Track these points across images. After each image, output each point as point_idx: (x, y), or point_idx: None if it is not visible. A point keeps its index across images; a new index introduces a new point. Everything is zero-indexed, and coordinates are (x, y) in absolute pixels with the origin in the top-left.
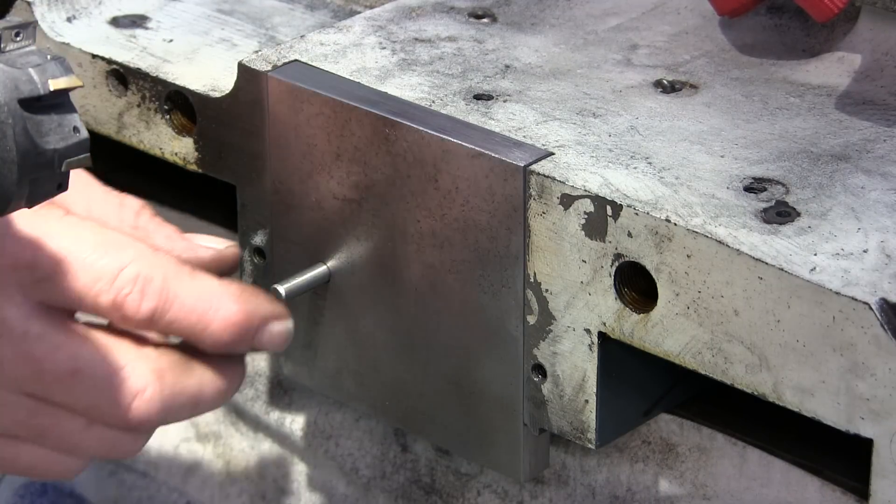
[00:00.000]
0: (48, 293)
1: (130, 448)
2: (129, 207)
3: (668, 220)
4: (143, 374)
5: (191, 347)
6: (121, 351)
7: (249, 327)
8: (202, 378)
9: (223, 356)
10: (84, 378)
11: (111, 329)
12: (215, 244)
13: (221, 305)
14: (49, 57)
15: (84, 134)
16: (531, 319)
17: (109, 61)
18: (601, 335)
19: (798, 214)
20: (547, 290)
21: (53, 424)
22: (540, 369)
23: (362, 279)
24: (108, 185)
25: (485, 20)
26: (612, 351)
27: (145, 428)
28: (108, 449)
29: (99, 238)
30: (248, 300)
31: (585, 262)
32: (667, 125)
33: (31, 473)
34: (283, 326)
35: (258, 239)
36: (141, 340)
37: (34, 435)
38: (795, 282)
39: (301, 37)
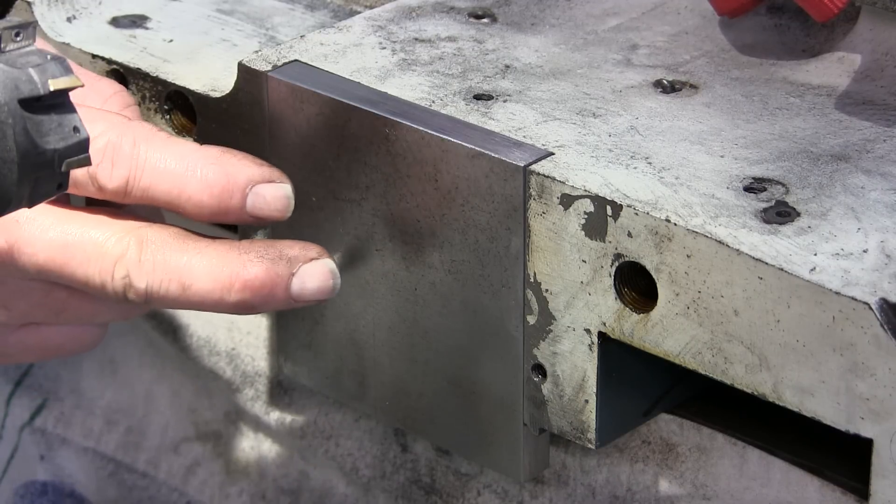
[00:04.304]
0: None
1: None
2: (102, 93)
3: (668, 220)
4: (125, 241)
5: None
6: (105, 223)
7: (230, 189)
8: (191, 255)
9: (220, 241)
10: (74, 251)
11: (100, 208)
12: None
13: (198, 167)
14: (49, 57)
15: (84, 134)
16: (531, 319)
17: (109, 61)
18: (601, 335)
19: (798, 214)
20: (547, 290)
21: (67, 298)
22: (540, 369)
23: (362, 279)
24: None
25: (485, 20)
26: (612, 351)
27: (135, 299)
28: (122, 312)
29: None
30: (229, 161)
31: (585, 262)
32: (667, 125)
33: (61, 353)
34: (276, 189)
35: (258, 238)
36: (125, 215)
37: (53, 314)
38: (795, 282)
39: (301, 37)
